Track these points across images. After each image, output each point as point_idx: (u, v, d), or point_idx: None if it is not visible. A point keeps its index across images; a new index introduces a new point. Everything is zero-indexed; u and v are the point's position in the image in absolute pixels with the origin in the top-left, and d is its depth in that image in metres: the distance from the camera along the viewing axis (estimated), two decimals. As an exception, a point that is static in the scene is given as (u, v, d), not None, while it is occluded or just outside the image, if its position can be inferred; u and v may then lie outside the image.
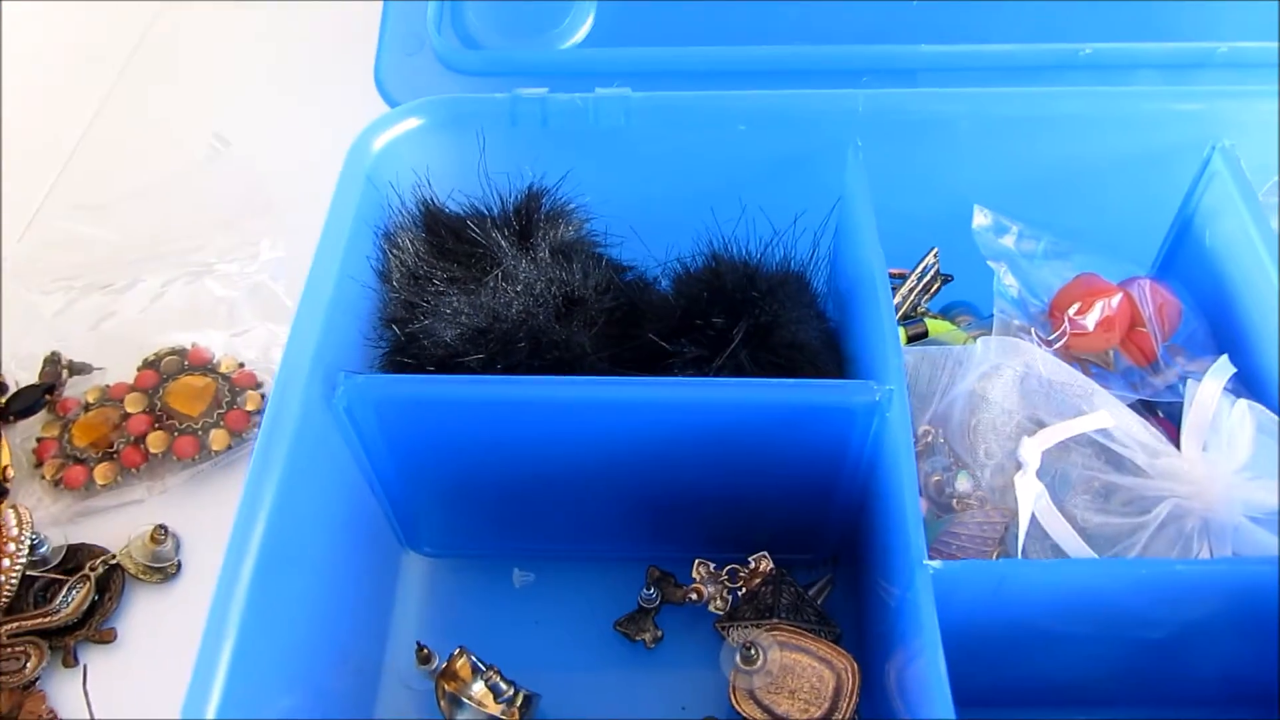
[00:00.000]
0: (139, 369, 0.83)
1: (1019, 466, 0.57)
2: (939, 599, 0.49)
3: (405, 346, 0.62)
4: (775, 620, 0.63)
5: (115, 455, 0.78)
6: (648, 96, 0.69)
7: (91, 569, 0.72)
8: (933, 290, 0.75)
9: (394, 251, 0.65)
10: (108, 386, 0.82)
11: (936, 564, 0.49)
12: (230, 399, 0.81)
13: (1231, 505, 0.55)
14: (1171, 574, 0.52)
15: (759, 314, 0.63)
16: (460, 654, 0.62)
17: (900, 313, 0.74)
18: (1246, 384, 0.62)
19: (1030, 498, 0.55)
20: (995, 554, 0.58)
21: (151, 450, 0.78)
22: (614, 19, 0.81)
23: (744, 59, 0.76)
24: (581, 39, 0.81)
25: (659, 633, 0.67)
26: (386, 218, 0.67)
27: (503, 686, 0.60)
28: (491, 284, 0.63)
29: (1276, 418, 0.56)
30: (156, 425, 0.80)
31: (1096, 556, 0.55)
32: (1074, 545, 0.55)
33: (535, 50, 0.76)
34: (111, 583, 0.73)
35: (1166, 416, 0.66)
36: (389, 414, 0.59)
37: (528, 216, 0.66)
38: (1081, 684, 0.60)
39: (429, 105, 0.69)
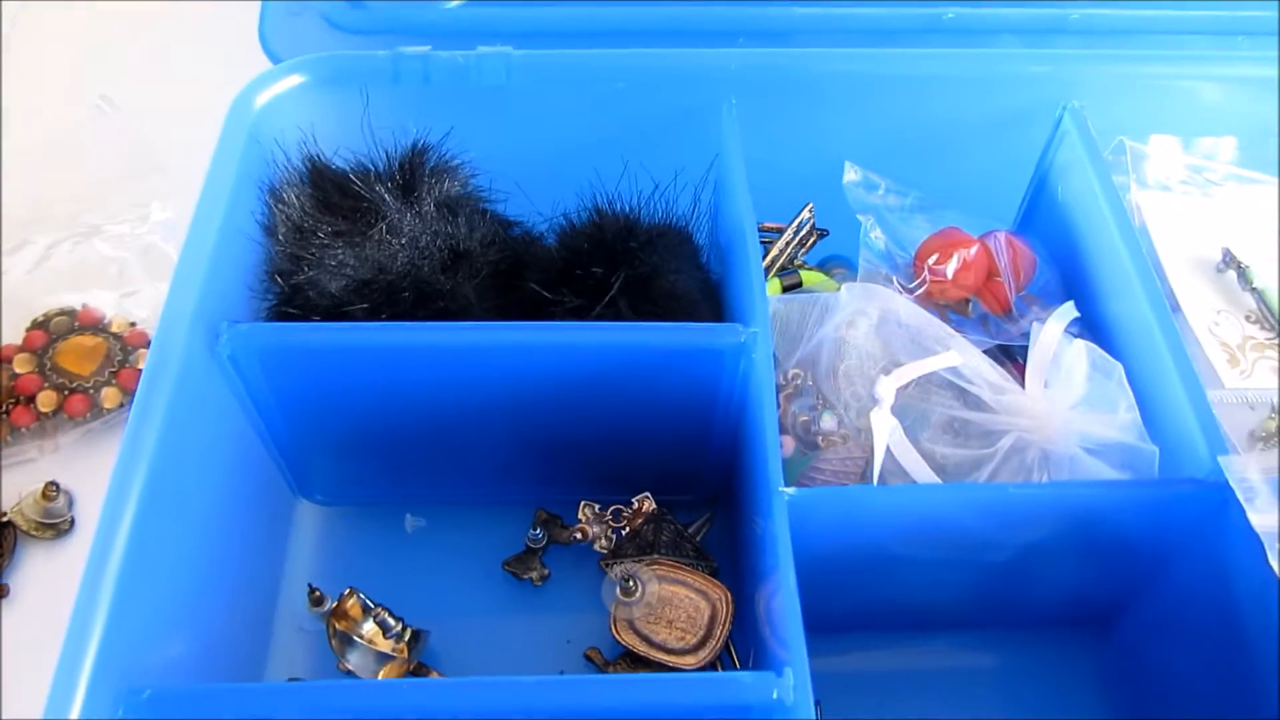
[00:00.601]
0: (27, 330, 0.82)
1: (876, 404, 0.60)
2: (794, 525, 0.52)
3: (291, 298, 0.64)
4: (655, 556, 0.66)
5: (4, 415, 0.78)
6: (528, 55, 0.71)
7: (-21, 527, 0.72)
8: (808, 244, 0.78)
9: (279, 206, 0.66)
10: (-5, 347, 0.82)
11: (791, 490, 0.53)
12: (122, 358, 0.81)
13: (1068, 437, 0.59)
14: (1007, 497, 0.56)
15: (638, 264, 0.66)
16: (350, 594, 0.64)
17: (778, 266, 0.77)
18: (1091, 329, 0.67)
19: (885, 431, 0.59)
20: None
21: (42, 409, 0.78)
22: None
23: (623, 18, 0.78)
24: (464, -1, 0.83)
25: (546, 571, 0.70)
26: (271, 173, 0.67)
27: (391, 623, 0.63)
28: (376, 237, 0.65)
29: (1109, 357, 0.61)
30: (46, 385, 0.79)
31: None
32: (924, 475, 0.59)
33: (418, 9, 0.77)
34: (3, 540, 0.73)
35: (1023, 361, 0.70)
36: (274, 363, 0.60)
37: (412, 171, 0.67)
38: (932, 608, 0.64)
39: (311, 63, 0.70)
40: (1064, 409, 0.60)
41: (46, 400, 0.79)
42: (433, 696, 0.47)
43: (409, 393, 0.64)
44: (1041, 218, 0.77)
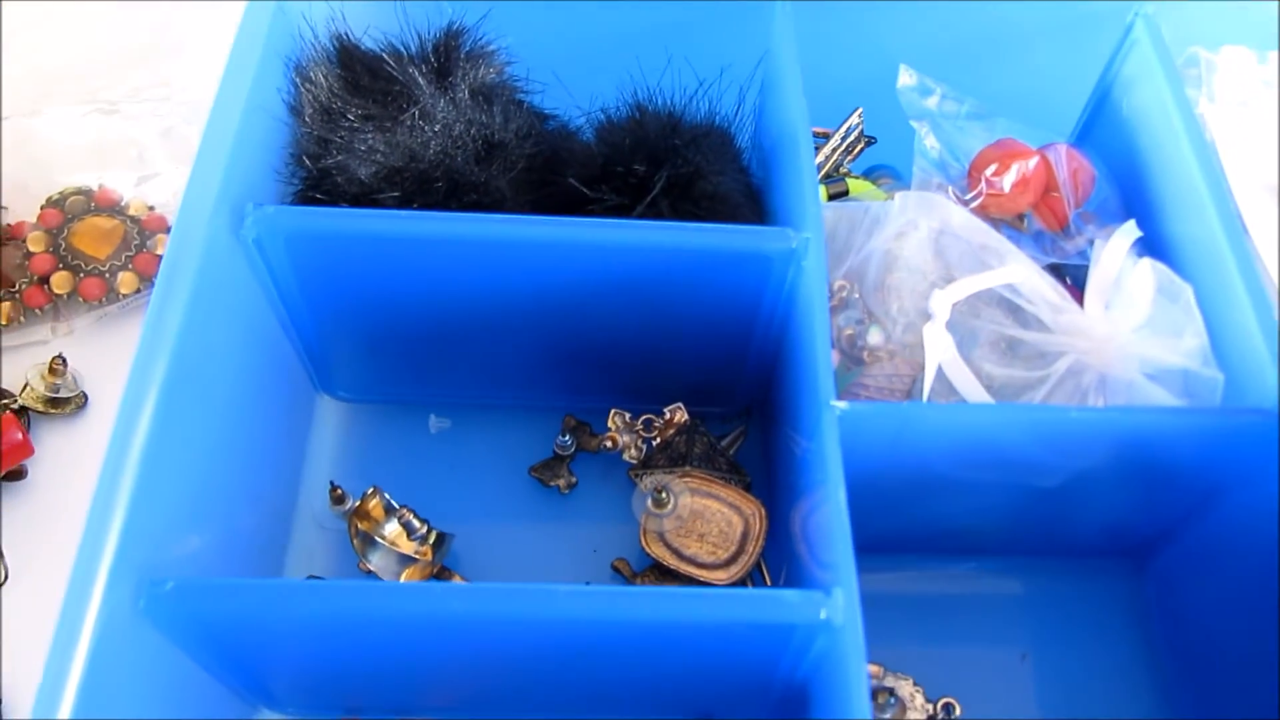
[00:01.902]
0: (42, 207, 0.80)
1: (929, 319, 0.58)
2: (844, 441, 0.50)
3: (318, 183, 0.61)
4: (687, 468, 0.65)
5: (17, 295, 0.76)
6: (573, -66, 0.67)
7: (-8, 411, 0.71)
8: (855, 151, 0.75)
9: (306, 85, 0.62)
10: (9, 225, 0.79)
11: (843, 405, 0.50)
12: (139, 242, 0.79)
13: (1127, 362, 0.57)
14: (1066, 420, 0.53)
15: (681, 164, 0.63)
16: (374, 493, 0.62)
17: (822, 172, 0.74)
18: (1152, 250, 0.64)
19: (938, 347, 0.56)
20: (902, 405, 0.60)
21: (56, 291, 0.76)
22: None
23: (676, -100, 0.73)
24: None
25: (573, 479, 0.68)
26: (298, 50, 0.64)
27: (416, 524, 0.61)
28: (408, 122, 0.61)
29: (1177, 278, 0.58)
30: (61, 266, 0.77)
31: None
32: (977, 395, 0.56)
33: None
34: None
35: (1074, 283, 0.67)
36: (301, 249, 0.58)
37: (447, 55, 0.64)
38: (970, 531, 0.62)
39: (344, -68, 0.66)
40: (1126, 331, 0.57)
41: (61, 282, 0.76)
42: (465, 601, 0.45)
43: (439, 287, 0.61)
44: (1102, 131, 0.73)
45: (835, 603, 0.45)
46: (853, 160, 0.75)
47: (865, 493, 0.52)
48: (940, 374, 0.57)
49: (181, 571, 0.51)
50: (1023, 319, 0.60)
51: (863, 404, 0.51)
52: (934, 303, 0.57)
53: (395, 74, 0.62)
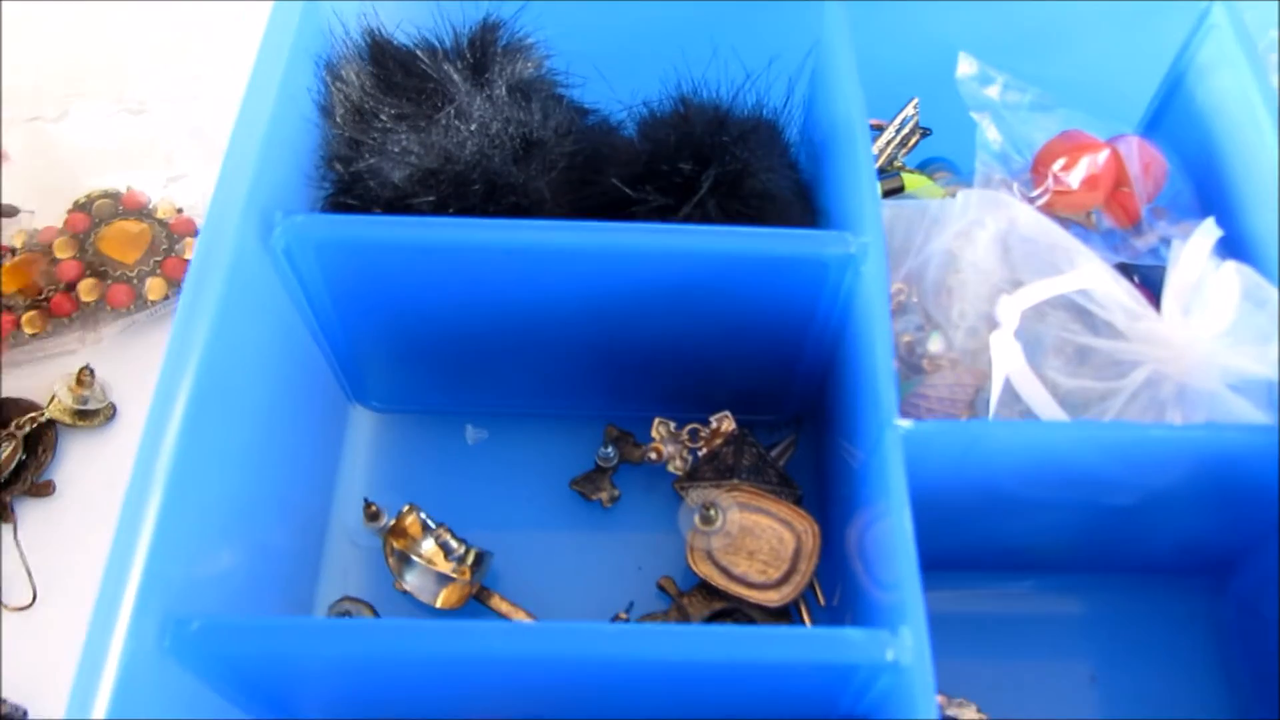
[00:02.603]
0: (69, 212, 0.78)
1: (995, 327, 0.54)
2: (908, 460, 0.47)
3: (350, 187, 0.58)
4: (735, 481, 0.62)
5: (44, 303, 0.74)
6: (613, -79, 0.64)
7: (19, 426, 0.69)
8: (910, 144, 0.71)
9: (337, 84, 0.60)
10: (36, 230, 0.77)
11: (908, 423, 0.47)
12: (168, 246, 0.77)
13: (1210, 372, 0.53)
14: (1145, 439, 0.50)
15: (729, 161, 0.59)
16: (410, 510, 0.59)
17: (876, 166, 0.70)
18: (1233, 250, 0.60)
19: (1006, 358, 0.53)
20: (964, 417, 0.57)
21: (83, 298, 0.74)
22: None
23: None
24: None
25: (616, 492, 0.65)
26: (329, 48, 0.61)
27: (453, 544, 0.58)
28: (444, 122, 0.59)
29: (1266, 282, 0.54)
30: (88, 272, 0.75)
31: (1067, 419, 0.53)
32: (1048, 409, 0.53)
33: None
34: (44, 438, 0.70)
35: (1143, 282, 0.63)
36: (332, 258, 0.55)
37: (483, 50, 0.61)
38: (1041, 549, 0.59)
39: (375, -77, 0.63)
40: (1207, 339, 0.53)
41: (89, 289, 0.74)
42: (504, 642, 0.42)
43: (476, 295, 0.59)
44: (1173, 122, 0.69)
45: (903, 643, 0.42)
46: (907, 153, 0.72)
47: (928, 511, 0.49)
48: (1007, 385, 0.54)
49: (211, 593, 0.49)
50: (1094, 325, 0.56)
51: (927, 423, 0.47)
52: (1001, 309, 0.54)
53: (429, 71, 0.60)
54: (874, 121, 0.71)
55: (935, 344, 0.58)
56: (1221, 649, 0.61)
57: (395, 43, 0.62)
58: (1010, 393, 0.54)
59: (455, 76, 0.60)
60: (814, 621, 0.60)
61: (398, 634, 0.45)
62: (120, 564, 0.43)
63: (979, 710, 0.57)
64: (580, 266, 0.56)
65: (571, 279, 0.57)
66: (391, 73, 0.61)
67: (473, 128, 0.59)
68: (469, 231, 0.54)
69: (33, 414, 0.70)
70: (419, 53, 0.61)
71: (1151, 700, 0.60)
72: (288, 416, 0.59)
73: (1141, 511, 0.55)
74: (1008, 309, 0.54)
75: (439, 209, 0.57)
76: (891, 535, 0.46)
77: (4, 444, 0.68)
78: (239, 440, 0.53)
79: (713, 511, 0.57)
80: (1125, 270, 0.64)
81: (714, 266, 0.55)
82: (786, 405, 0.66)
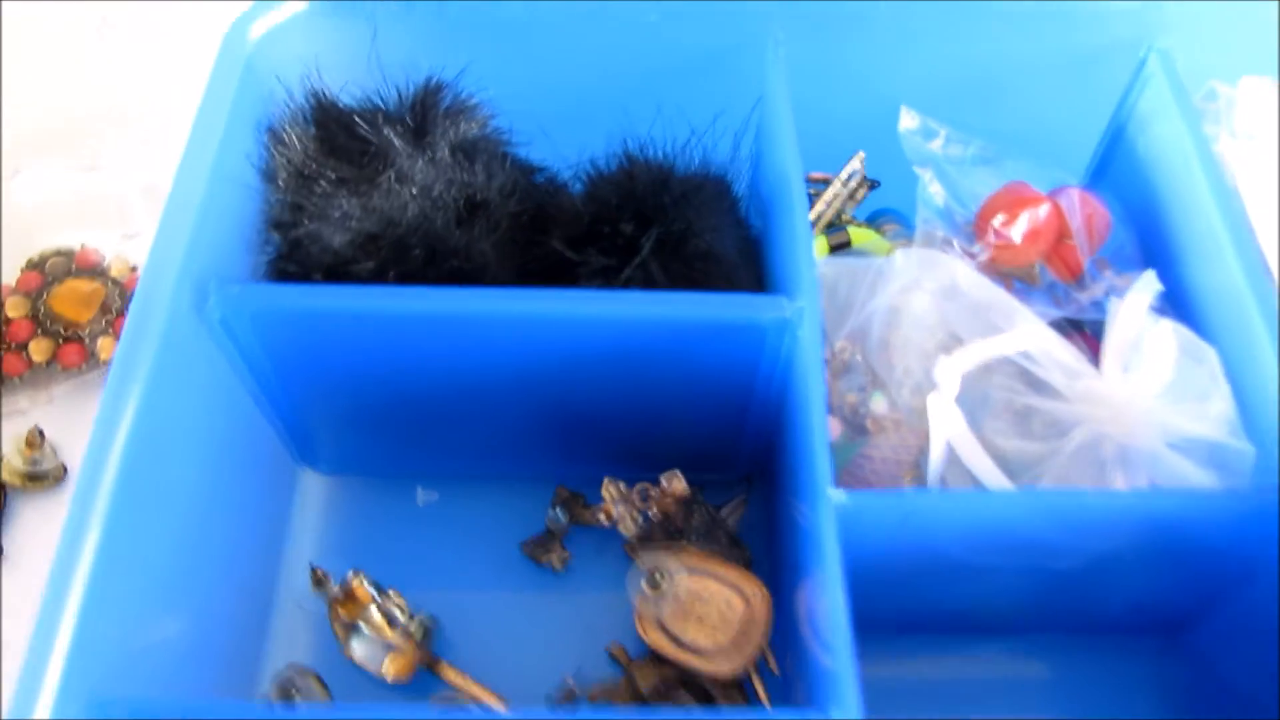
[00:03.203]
0: (22, 270, 0.77)
1: (936, 386, 0.54)
2: (844, 528, 0.47)
3: (290, 253, 0.58)
4: (684, 543, 0.61)
5: (-6, 364, 0.74)
6: (554, -18, 0.64)
7: (-33, 489, 0.68)
8: (858, 197, 0.71)
9: (278, 148, 0.60)
10: (-12, 291, 0.77)
11: (841, 495, 0.47)
12: (120, 305, 0.76)
13: (1150, 431, 0.53)
14: (1087, 505, 0.50)
15: (672, 221, 0.59)
16: (356, 576, 0.59)
17: (824, 221, 0.70)
18: (1173, 302, 0.60)
19: (945, 424, 0.53)
20: (909, 477, 0.56)
21: (35, 358, 0.74)
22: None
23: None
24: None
25: (566, 554, 0.65)
26: (270, 112, 0.61)
27: (398, 615, 0.58)
28: (385, 185, 0.59)
29: (1201, 341, 0.54)
30: (40, 332, 0.75)
31: (1010, 485, 0.53)
32: (989, 474, 0.53)
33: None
34: (-8, 501, 0.69)
35: (1093, 334, 0.63)
36: (269, 327, 0.55)
37: (424, 111, 0.61)
38: (987, 613, 0.58)
39: (315, -12, 0.63)
40: (1147, 397, 0.53)
41: (40, 349, 0.74)
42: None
43: (419, 360, 0.58)
44: (1116, 172, 0.70)
45: (835, 726, 0.42)
46: (855, 206, 0.72)
47: (871, 576, 0.48)
48: (949, 448, 0.54)
49: (149, 663, 0.49)
50: (1036, 384, 0.56)
51: (863, 493, 0.47)
52: (939, 372, 0.54)
53: (370, 135, 0.60)
54: (822, 175, 0.71)
55: (879, 404, 0.58)
56: (1172, 707, 0.61)
57: (338, 104, 0.62)
58: (951, 451, 0.54)
59: (396, 141, 0.60)
60: (768, 692, 0.60)
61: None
62: (44, 639, 0.43)
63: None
64: (522, 333, 0.56)
65: (515, 345, 0.57)
66: (334, 135, 0.61)
67: (414, 190, 0.59)
68: (407, 301, 0.54)
69: (-20, 479, 0.69)
70: (360, 115, 0.60)
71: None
72: (230, 481, 0.59)
73: (1088, 574, 0.54)
74: (945, 371, 0.54)
75: (379, 274, 0.57)
76: (828, 603, 0.45)
77: (-51, 511, 0.67)
78: (177, 507, 0.52)
79: (659, 577, 0.57)
80: (1075, 325, 0.64)
81: (655, 331, 0.55)
82: (737, 464, 0.66)
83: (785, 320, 0.52)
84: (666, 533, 0.62)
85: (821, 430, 0.48)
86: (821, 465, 0.48)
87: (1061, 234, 0.63)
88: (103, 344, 0.75)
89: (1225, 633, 0.57)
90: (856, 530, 0.47)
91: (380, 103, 0.62)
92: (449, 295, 0.55)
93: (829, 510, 0.46)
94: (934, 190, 0.64)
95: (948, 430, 0.52)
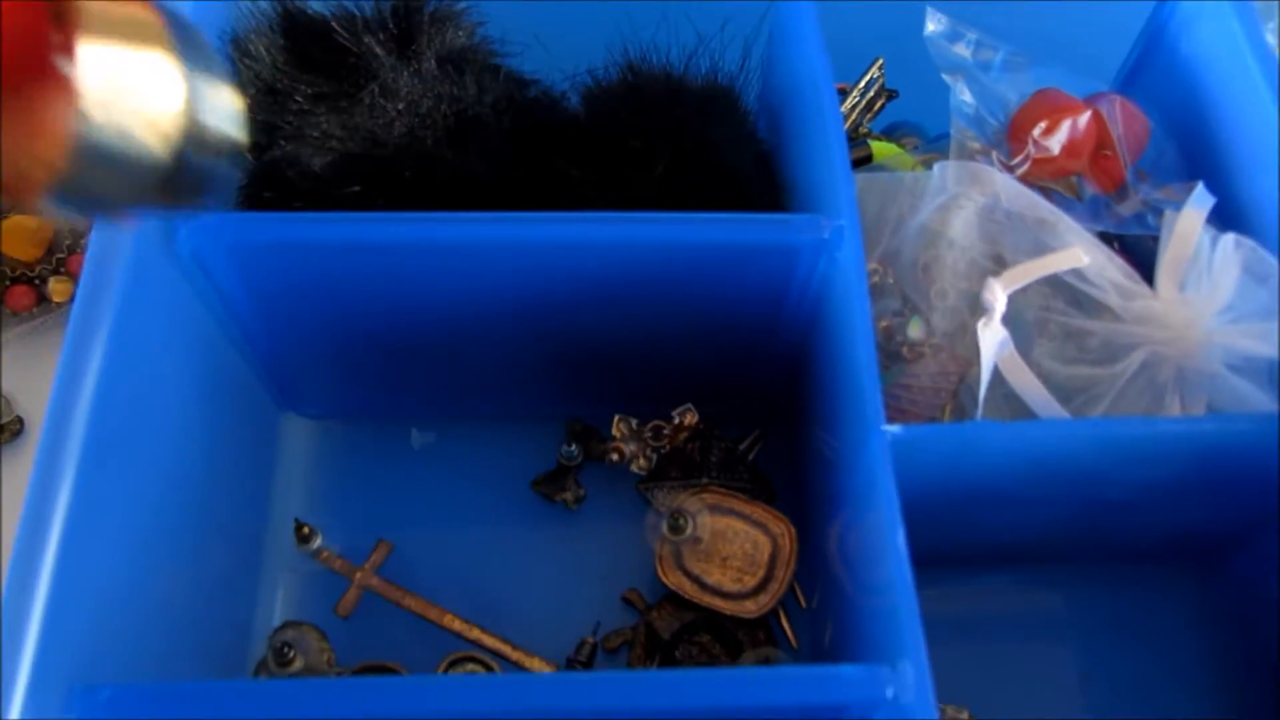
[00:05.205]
0: (-39, 206, 0.71)
1: (981, 310, 0.50)
2: (896, 464, 0.43)
3: (266, 178, 0.52)
4: (705, 480, 0.57)
5: (-63, 308, 0.68)
6: None
7: (-87, 442, 0.63)
8: (876, 108, 0.67)
9: (245, 61, 0.54)
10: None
11: (895, 429, 0.43)
12: (71, 242, 0.70)
13: (1210, 353, 0.49)
14: (1145, 435, 0.46)
15: (684, 135, 0.54)
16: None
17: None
18: (1223, 217, 0.56)
19: (994, 346, 0.49)
20: (948, 407, 0.52)
21: (-21, 302, 0.68)
22: None
23: None
24: None
25: (582, 491, 0.60)
26: (235, 19, 0.55)
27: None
28: (367, 100, 0.53)
29: (1267, 255, 0.50)
30: (-16, 273, 0.69)
31: (1063, 412, 0.49)
32: (1041, 400, 0.49)
33: None
34: (-57, 455, 0.63)
35: (1124, 249, 0.59)
36: (247, 260, 0.49)
37: (408, 18, 0.55)
38: (1029, 544, 0.55)
39: (281, -123, 0.56)
40: (1207, 317, 0.49)
41: (-15, 292, 0.68)
42: (462, 694, 0.38)
43: (412, 293, 0.53)
44: (1153, 76, 0.65)
45: (904, 679, 0.38)
46: (873, 118, 0.67)
47: (916, 511, 0.45)
48: (996, 373, 0.50)
49: (130, 642, 0.44)
50: (1087, 305, 0.52)
51: (916, 427, 0.43)
52: (989, 293, 0.49)
53: (348, 44, 0.54)
54: (838, 85, 0.66)
55: (915, 329, 0.53)
56: (1214, 635, 0.59)
57: (310, 11, 0.56)
58: (997, 377, 0.50)
59: (378, 49, 0.54)
60: (795, 630, 0.56)
61: (321, 692, 0.40)
62: (17, 618, 0.38)
63: (972, 715, 0.54)
64: (525, 260, 0.51)
65: (517, 273, 0.52)
66: (307, 47, 0.55)
67: (400, 106, 0.54)
68: (397, 227, 0.49)
69: (-72, 437, 0.63)
70: (336, 23, 0.55)
71: (1143, 689, 0.58)
72: (209, 432, 0.54)
73: (1136, 503, 0.51)
74: (996, 292, 0.49)
75: (365, 199, 0.52)
76: (883, 542, 0.41)
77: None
78: (152, 463, 0.48)
79: (681, 520, 0.53)
80: (1107, 238, 0.60)
81: (673, 256, 0.50)
82: (754, 401, 0.62)
83: (823, 240, 0.48)
84: (684, 470, 0.58)
85: (870, 361, 0.44)
86: (872, 399, 0.44)
87: (1101, 144, 0.59)
88: (55, 285, 0.69)
89: (1271, 556, 0.54)
90: (907, 465, 0.43)
91: (357, 9, 0.56)
92: (443, 220, 0.49)
93: (883, 446, 0.42)
94: (965, 98, 0.59)
95: (996, 353, 0.48)
